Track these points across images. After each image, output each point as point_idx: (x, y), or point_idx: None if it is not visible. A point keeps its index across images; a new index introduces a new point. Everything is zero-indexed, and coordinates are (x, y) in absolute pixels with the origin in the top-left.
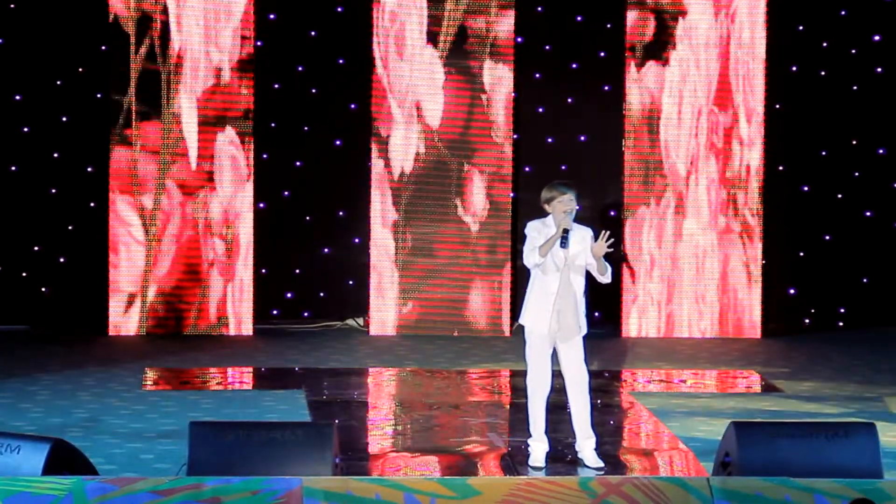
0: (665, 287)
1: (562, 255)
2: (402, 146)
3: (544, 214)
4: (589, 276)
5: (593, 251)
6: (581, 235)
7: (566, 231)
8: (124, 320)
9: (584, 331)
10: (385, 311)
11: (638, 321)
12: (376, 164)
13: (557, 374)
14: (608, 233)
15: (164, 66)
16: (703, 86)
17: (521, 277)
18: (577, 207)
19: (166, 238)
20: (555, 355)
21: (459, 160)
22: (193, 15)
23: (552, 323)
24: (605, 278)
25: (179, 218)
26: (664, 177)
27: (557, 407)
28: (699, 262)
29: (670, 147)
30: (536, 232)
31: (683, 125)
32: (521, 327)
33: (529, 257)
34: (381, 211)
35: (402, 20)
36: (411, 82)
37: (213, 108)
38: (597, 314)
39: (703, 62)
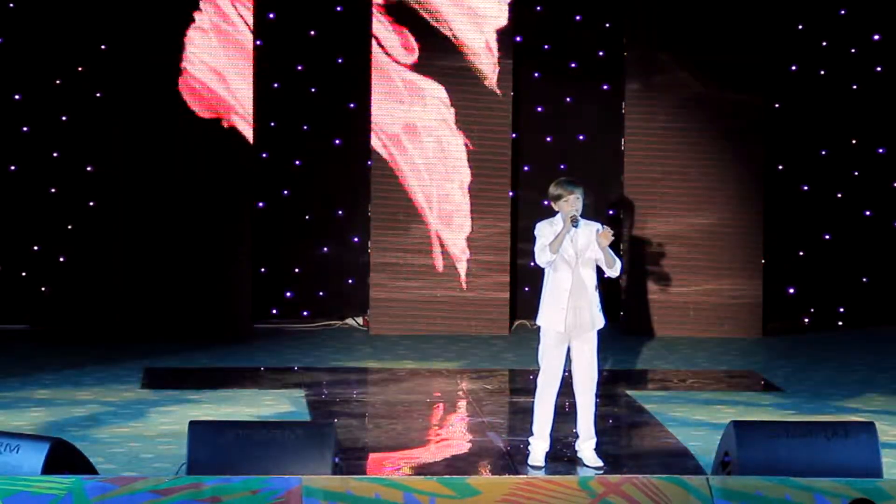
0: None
1: (572, 252)
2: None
3: (549, 214)
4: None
5: (598, 242)
6: (590, 229)
7: (574, 217)
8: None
9: (601, 324)
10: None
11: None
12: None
13: (566, 372)
14: (607, 228)
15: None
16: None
17: (520, 277)
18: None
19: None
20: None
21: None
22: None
23: (568, 319)
24: (614, 272)
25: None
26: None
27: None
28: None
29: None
30: (545, 231)
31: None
32: (522, 325)
33: (541, 256)
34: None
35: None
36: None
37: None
38: None
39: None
